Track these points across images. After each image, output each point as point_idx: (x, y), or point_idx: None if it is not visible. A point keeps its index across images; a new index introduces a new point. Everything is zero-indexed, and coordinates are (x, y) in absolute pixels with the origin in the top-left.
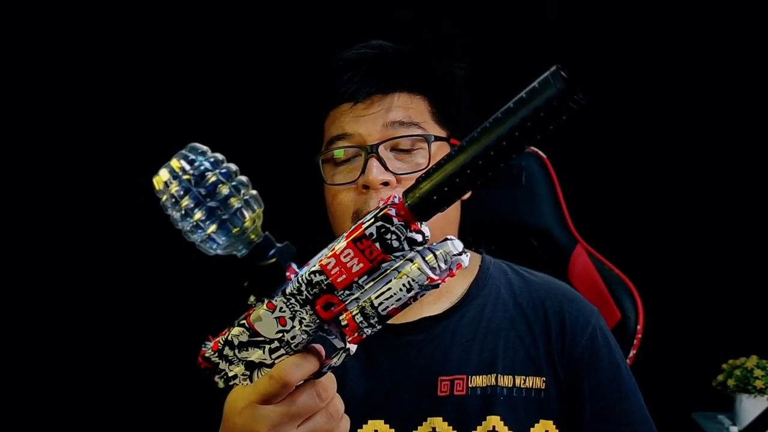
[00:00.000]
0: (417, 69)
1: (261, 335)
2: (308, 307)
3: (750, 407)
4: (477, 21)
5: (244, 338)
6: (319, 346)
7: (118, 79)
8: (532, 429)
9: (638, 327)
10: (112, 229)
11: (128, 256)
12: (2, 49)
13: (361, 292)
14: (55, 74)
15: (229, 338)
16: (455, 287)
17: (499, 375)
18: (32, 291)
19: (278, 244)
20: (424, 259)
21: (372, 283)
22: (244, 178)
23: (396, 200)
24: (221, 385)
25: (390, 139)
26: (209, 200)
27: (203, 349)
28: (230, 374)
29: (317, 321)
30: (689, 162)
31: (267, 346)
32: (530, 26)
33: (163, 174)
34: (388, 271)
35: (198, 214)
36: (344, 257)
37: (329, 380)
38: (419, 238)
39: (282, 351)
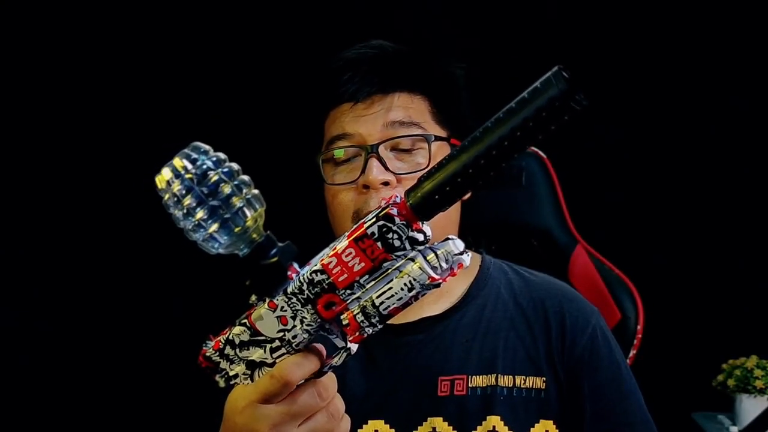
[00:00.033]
0: (417, 69)
1: (262, 334)
2: (309, 307)
3: (750, 407)
4: (477, 21)
5: (246, 337)
6: (320, 346)
7: (120, 79)
8: (532, 429)
9: (638, 327)
10: (113, 228)
11: (128, 256)
12: (2, 49)
13: (363, 292)
14: (55, 74)
15: (230, 337)
16: (455, 287)
17: (499, 375)
18: (32, 291)
19: (280, 244)
20: (425, 258)
21: (373, 282)
22: (246, 178)
23: (398, 199)
24: (222, 384)
25: (390, 139)
26: (211, 199)
27: (204, 348)
28: (231, 373)
29: (318, 320)
30: (689, 162)
31: (268, 345)
32: (530, 26)
33: (166, 173)
34: (390, 270)
35: (200, 213)
36: (346, 256)
37: (330, 380)
38: (421, 237)
39: (283, 350)
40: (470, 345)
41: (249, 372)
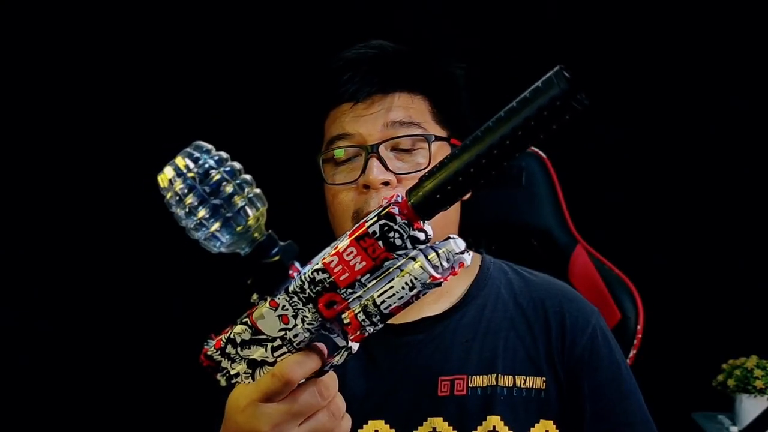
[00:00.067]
0: (417, 69)
1: (263, 333)
2: (311, 305)
3: (750, 407)
4: (477, 21)
5: (247, 336)
6: (321, 344)
7: (120, 78)
8: (532, 429)
9: (638, 327)
10: (113, 228)
11: (128, 256)
12: (3, 49)
13: (364, 291)
14: (56, 74)
15: (232, 336)
16: (455, 287)
17: (499, 375)
18: (32, 291)
19: (281, 243)
20: (426, 257)
21: (374, 281)
22: (248, 177)
23: (399, 199)
24: (223, 383)
25: (390, 139)
26: (213, 198)
27: (205, 347)
28: (232, 372)
29: (320, 319)
30: (689, 162)
31: (269, 344)
32: (530, 26)
33: (168, 171)
34: (391, 269)
35: (202, 212)
36: (347, 255)
37: (331, 379)
38: (422, 236)
39: (284, 349)
40: (470, 345)
41: (250, 371)
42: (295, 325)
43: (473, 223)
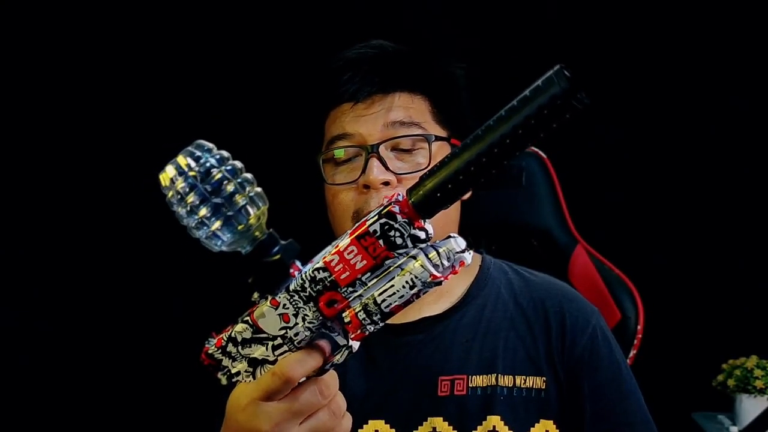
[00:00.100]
0: (417, 69)
1: (264, 332)
2: (311, 304)
3: (750, 407)
4: (477, 21)
5: (248, 335)
6: (322, 343)
7: (121, 78)
8: (532, 429)
9: (638, 327)
10: (113, 228)
11: (128, 256)
12: (3, 49)
13: (364, 289)
14: (56, 74)
15: (233, 335)
16: (455, 287)
17: (499, 375)
18: (32, 291)
19: (282, 242)
20: (427, 256)
21: (375, 280)
22: (249, 176)
23: (400, 197)
24: (224, 381)
25: (391, 139)
26: (215, 197)
27: (207, 345)
28: (233, 371)
29: (320, 318)
30: (689, 162)
31: (270, 343)
32: (530, 26)
33: (170, 170)
34: (392, 268)
35: (203, 211)
36: (348, 254)
37: (332, 378)
38: (422, 235)
39: (285, 348)
40: (470, 345)
41: (251, 369)
42: (296, 323)
43: (473, 223)
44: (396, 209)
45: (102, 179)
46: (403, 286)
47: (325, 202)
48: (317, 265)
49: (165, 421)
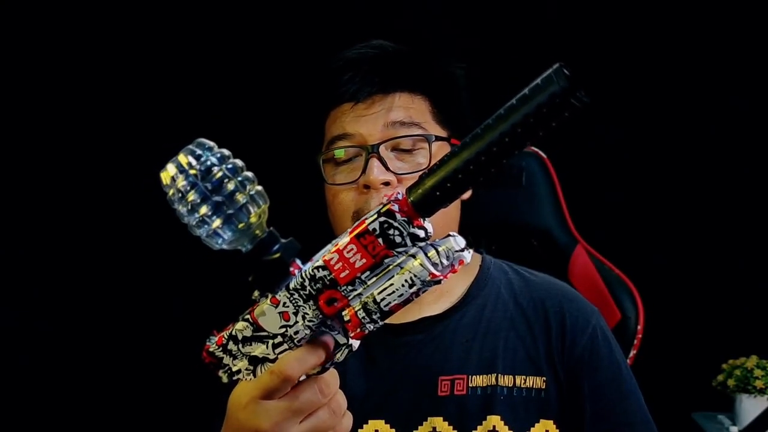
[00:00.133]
0: (418, 69)
1: (264, 330)
2: (311, 303)
3: (750, 407)
4: (477, 21)
5: (248, 333)
6: (322, 341)
7: (121, 78)
8: (532, 429)
9: (638, 327)
10: (112, 228)
11: (128, 256)
12: (3, 49)
13: (364, 288)
14: (56, 73)
15: (233, 333)
16: (455, 287)
17: (499, 375)
18: (32, 291)
19: (283, 240)
20: (426, 255)
21: (374, 278)
22: (250, 174)
23: (399, 196)
24: (225, 380)
25: (391, 139)
26: (215, 195)
27: (208, 343)
28: (234, 369)
29: (320, 316)
30: (689, 162)
31: (270, 341)
32: (530, 26)
33: (170, 168)
34: (391, 266)
35: (204, 209)
36: (347, 253)
37: (332, 376)
38: (422, 233)
39: (285, 346)
40: (470, 345)
41: (252, 367)
42: (296, 322)
43: (473, 222)
44: (395, 208)
45: (102, 178)
46: (403, 285)
47: (325, 202)
48: (317, 264)
49: (166, 420)
